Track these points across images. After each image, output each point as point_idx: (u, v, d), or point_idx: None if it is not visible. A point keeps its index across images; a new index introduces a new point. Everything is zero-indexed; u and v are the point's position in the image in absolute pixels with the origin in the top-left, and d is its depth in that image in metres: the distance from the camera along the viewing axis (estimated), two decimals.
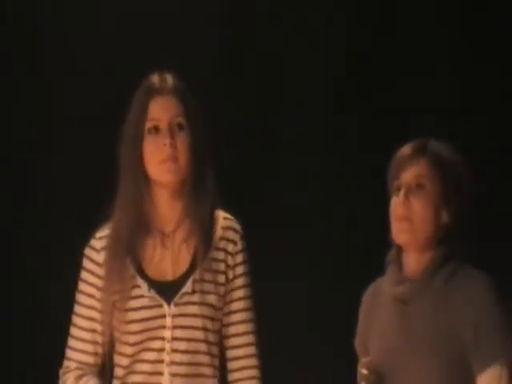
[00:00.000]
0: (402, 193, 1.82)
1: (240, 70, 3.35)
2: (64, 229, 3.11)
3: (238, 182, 3.06)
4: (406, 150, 1.87)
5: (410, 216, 1.82)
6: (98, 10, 3.32)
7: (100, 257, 1.88)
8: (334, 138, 3.31)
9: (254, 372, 1.87)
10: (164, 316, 1.83)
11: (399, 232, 1.83)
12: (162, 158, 1.83)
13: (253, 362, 1.88)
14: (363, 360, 1.86)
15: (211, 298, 1.85)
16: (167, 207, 1.88)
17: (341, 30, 3.37)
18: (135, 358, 1.84)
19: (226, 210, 1.94)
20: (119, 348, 1.86)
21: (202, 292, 1.84)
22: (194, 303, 1.84)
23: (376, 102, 3.29)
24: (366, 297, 1.95)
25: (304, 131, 3.33)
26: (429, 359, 1.79)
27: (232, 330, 1.88)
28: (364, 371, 1.85)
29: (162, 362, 1.83)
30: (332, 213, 3.22)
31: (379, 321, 1.90)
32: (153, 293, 1.84)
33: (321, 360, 2.01)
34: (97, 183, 2.11)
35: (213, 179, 1.89)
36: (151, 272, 1.86)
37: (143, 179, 1.86)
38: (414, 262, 1.85)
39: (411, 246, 1.84)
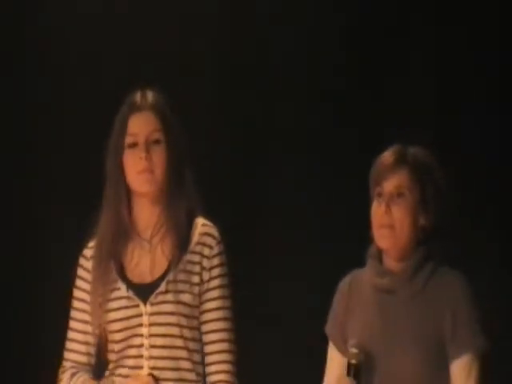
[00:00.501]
0: (383, 202, 1.99)
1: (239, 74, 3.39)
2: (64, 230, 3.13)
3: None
4: (387, 158, 2.02)
5: (392, 223, 1.99)
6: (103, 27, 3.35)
7: (90, 264, 2.06)
8: (334, 138, 3.35)
9: (226, 366, 1.99)
10: (141, 315, 2.00)
11: (381, 238, 2.00)
12: (138, 170, 2.00)
13: (225, 357, 2.00)
14: (352, 341, 2.00)
15: (185, 297, 2.00)
16: (146, 214, 2.04)
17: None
18: (121, 355, 2.02)
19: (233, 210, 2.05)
20: (109, 346, 2.04)
21: (176, 291, 1.99)
22: (168, 302, 2.00)
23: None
24: (344, 286, 2.09)
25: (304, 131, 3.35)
26: (410, 346, 1.97)
27: (207, 327, 2.02)
28: (354, 350, 2.00)
29: (141, 356, 2.00)
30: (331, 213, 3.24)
31: (361, 309, 2.05)
32: (131, 294, 2.01)
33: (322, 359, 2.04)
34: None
35: (192, 188, 2.04)
36: (131, 275, 2.03)
37: (124, 189, 2.03)
38: (394, 262, 2.03)
39: (392, 250, 2.02)
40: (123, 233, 2.03)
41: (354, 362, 2.00)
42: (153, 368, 1.99)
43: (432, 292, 2.00)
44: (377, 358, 1.99)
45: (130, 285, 2.01)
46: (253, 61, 3.38)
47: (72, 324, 2.07)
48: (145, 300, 1.99)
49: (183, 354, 1.99)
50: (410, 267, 1.99)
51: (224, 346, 2.01)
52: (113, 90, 2.84)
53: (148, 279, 2.01)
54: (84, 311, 2.05)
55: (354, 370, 2.00)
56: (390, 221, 1.98)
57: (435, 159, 2.02)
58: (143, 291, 2.00)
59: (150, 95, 2.04)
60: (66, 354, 2.07)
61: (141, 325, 2.00)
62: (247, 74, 3.38)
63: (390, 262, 2.02)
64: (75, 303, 2.06)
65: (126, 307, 2.00)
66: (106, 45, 3.29)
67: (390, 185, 1.99)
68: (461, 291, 1.98)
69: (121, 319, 2.00)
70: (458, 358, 1.95)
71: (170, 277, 1.99)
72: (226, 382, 1.99)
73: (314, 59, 3.39)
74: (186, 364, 2.00)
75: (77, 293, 2.06)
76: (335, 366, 2.08)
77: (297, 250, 3.16)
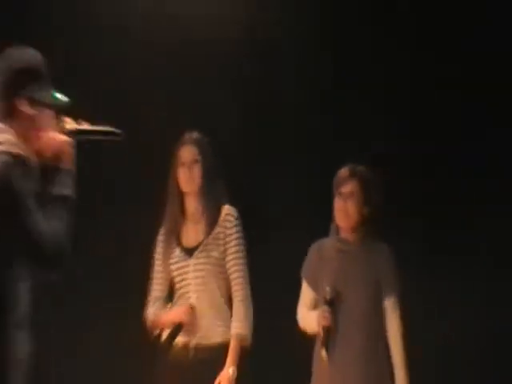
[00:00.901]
0: (341, 199, 3.36)
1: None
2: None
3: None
4: (344, 172, 3.40)
5: (346, 211, 3.36)
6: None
7: (162, 239, 3.47)
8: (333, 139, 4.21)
9: (240, 279, 3.35)
10: (188, 265, 3.38)
11: (340, 220, 3.38)
12: (185, 179, 3.40)
13: (240, 274, 3.35)
14: (326, 284, 3.27)
15: (214, 253, 3.37)
16: (192, 206, 3.43)
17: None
18: (180, 292, 3.41)
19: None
20: (174, 286, 3.43)
21: (208, 250, 3.37)
22: (203, 257, 3.38)
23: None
24: (314, 247, 3.45)
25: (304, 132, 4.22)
26: (361, 287, 3.32)
27: (230, 263, 3.37)
28: (328, 289, 3.26)
29: (189, 292, 3.37)
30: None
31: (327, 263, 3.38)
32: (182, 254, 3.41)
33: None
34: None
35: (221, 187, 3.41)
36: (184, 242, 3.44)
37: (178, 191, 3.42)
38: (347, 234, 3.39)
39: (346, 227, 3.39)
40: (179, 218, 3.41)
41: (328, 296, 3.23)
42: (196, 298, 3.33)
43: (371, 254, 3.37)
44: (341, 294, 3.27)
45: (182, 248, 3.40)
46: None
47: (153, 274, 3.44)
48: (190, 256, 3.37)
49: (215, 289, 3.35)
50: (358, 237, 3.38)
51: (240, 274, 3.35)
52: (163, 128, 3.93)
53: (193, 245, 3.39)
54: (160, 266, 3.43)
55: (329, 302, 3.22)
56: (345, 210, 3.35)
57: (372, 174, 3.38)
58: (189, 252, 3.38)
59: (194, 134, 3.44)
60: (150, 292, 3.43)
61: (188, 272, 3.37)
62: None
63: (345, 234, 3.40)
64: (155, 262, 3.44)
65: (179, 261, 3.39)
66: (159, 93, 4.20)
67: (345, 189, 3.36)
68: (388, 256, 3.36)
69: (177, 269, 3.39)
70: (389, 297, 3.32)
71: (204, 243, 3.36)
72: (240, 284, 3.32)
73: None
74: (217, 295, 3.35)
75: (156, 255, 3.45)
76: (307, 297, 3.37)
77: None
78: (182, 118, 3.87)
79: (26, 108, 2.31)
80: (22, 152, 2.27)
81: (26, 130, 2.33)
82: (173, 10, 4.16)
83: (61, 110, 2.34)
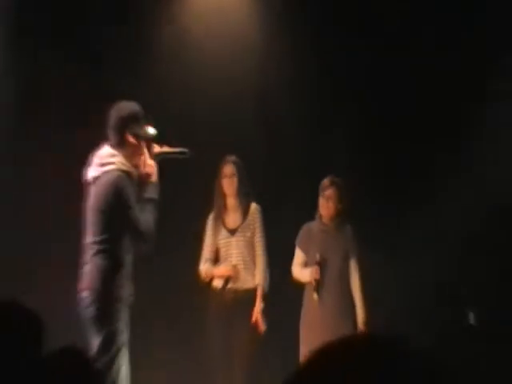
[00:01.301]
0: (325, 198, 5.27)
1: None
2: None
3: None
4: (326, 181, 5.27)
5: (327, 206, 5.27)
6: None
7: (210, 223, 5.38)
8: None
9: (261, 251, 5.32)
10: (230, 242, 5.30)
11: (322, 211, 5.30)
12: (227, 186, 5.32)
13: (261, 249, 5.30)
14: (315, 253, 5.14)
15: (247, 234, 5.29)
16: (232, 203, 5.34)
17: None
18: (224, 257, 5.32)
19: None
20: (219, 253, 5.35)
21: (243, 231, 5.29)
22: (240, 236, 5.30)
23: None
24: (304, 229, 5.36)
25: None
26: (337, 255, 5.25)
27: (255, 241, 5.31)
28: (317, 255, 5.14)
29: (231, 257, 5.28)
30: None
31: (314, 240, 5.24)
32: (227, 233, 5.29)
33: None
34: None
35: (249, 191, 5.30)
36: (227, 226, 5.34)
37: (222, 193, 5.33)
38: (327, 221, 5.26)
39: (327, 216, 5.31)
40: (222, 210, 5.31)
41: (318, 260, 5.12)
42: (236, 261, 5.25)
43: (342, 233, 5.29)
44: (325, 258, 5.15)
45: (226, 229, 5.30)
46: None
47: (205, 244, 5.32)
48: (232, 235, 5.26)
49: (247, 255, 5.28)
50: (333, 222, 5.29)
51: (261, 248, 5.31)
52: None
53: (233, 227, 5.31)
54: (210, 239, 5.32)
55: (318, 263, 5.11)
56: (327, 206, 5.26)
57: (343, 182, 5.27)
58: (232, 232, 5.29)
59: (232, 157, 5.31)
60: (203, 255, 5.32)
61: (231, 244, 5.28)
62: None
63: (325, 220, 5.32)
64: (207, 237, 5.32)
65: (225, 238, 5.30)
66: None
67: (327, 193, 5.25)
68: (352, 234, 5.27)
69: (224, 243, 5.30)
70: (353, 259, 5.24)
71: (241, 227, 5.30)
72: (261, 251, 5.30)
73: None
74: (248, 258, 5.28)
75: (207, 232, 5.33)
76: (300, 259, 5.28)
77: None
78: (225, 145, 5.58)
79: (131, 140, 4.06)
80: (128, 169, 4.00)
81: (131, 154, 4.06)
82: (215, 66, 6.03)
83: (151, 139, 4.13)
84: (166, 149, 4.15)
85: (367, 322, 5.25)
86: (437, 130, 6.15)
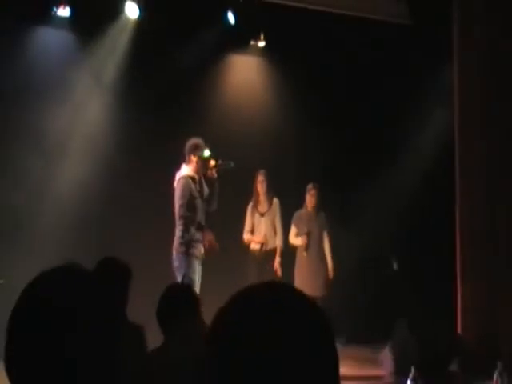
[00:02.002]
0: (311, 196, 8.64)
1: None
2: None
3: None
4: (310, 186, 8.64)
5: (311, 201, 8.65)
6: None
7: (249, 209, 8.70)
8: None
9: (279, 225, 8.72)
10: (261, 220, 8.66)
11: (308, 204, 8.67)
12: (260, 188, 8.66)
13: (279, 224, 8.71)
14: (304, 227, 8.70)
15: (271, 215, 8.63)
16: (262, 198, 8.70)
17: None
18: (257, 231, 8.70)
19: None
20: (254, 227, 8.77)
21: (269, 214, 8.62)
22: (267, 217, 8.66)
23: None
24: (297, 213, 8.76)
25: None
26: (316, 230, 8.67)
27: (275, 221, 8.68)
28: (306, 229, 8.71)
29: (261, 230, 8.66)
30: None
31: (303, 221, 8.68)
32: (258, 215, 8.67)
33: None
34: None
35: (272, 191, 8.71)
36: (259, 211, 8.69)
37: (257, 192, 8.66)
38: (310, 210, 8.70)
39: (310, 207, 8.67)
40: (257, 201, 8.62)
41: (306, 232, 8.60)
42: (265, 232, 8.59)
43: (319, 216, 8.64)
44: (310, 231, 8.60)
45: (259, 213, 8.62)
46: None
47: (247, 222, 8.63)
48: (262, 216, 8.60)
49: (271, 229, 8.61)
50: (314, 210, 8.66)
51: (279, 225, 8.65)
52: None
53: (262, 212, 8.62)
54: (249, 219, 8.62)
55: (306, 234, 8.58)
56: (311, 200, 8.62)
57: (319, 186, 8.71)
58: (262, 215, 8.59)
59: (262, 171, 8.64)
60: (245, 229, 8.64)
61: (261, 222, 8.61)
62: None
63: (310, 209, 8.65)
64: (248, 217, 8.62)
65: (258, 218, 8.63)
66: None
67: (311, 192, 8.60)
68: (324, 217, 8.62)
69: (257, 221, 8.63)
70: (325, 231, 8.66)
71: (267, 212, 8.60)
72: (279, 225, 8.63)
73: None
74: (271, 230, 8.63)
75: (248, 214, 8.62)
76: (293, 232, 8.72)
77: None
78: (260, 161, 8.93)
79: (194, 159, 7.19)
80: (193, 175, 7.12)
81: (195, 167, 7.18)
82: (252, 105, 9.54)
83: (209, 158, 7.22)
84: (220, 162, 7.19)
85: (332, 268, 8.55)
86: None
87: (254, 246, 8.60)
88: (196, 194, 7.14)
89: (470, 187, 8.12)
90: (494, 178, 8.02)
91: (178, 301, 3.51)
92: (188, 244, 7.01)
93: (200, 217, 7.14)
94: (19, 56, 8.34)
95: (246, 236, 8.65)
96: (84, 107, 8.81)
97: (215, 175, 7.25)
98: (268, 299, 1.20)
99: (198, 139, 7.19)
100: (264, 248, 8.55)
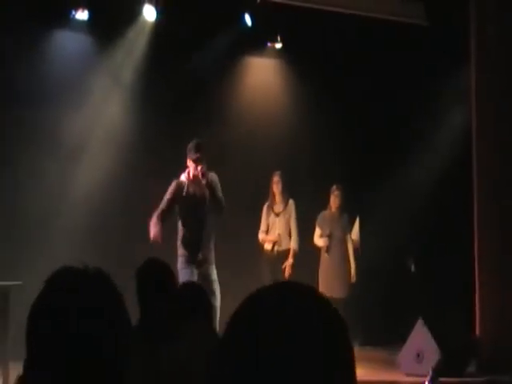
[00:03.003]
0: (334, 196, 8.95)
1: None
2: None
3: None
4: (334, 187, 9.01)
5: (335, 202, 8.98)
6: None
7: (264, 209, 8.79)
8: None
9: (294, 226, 8.79)
10: (276, 220, 8.73)
11: (332, 204, 9.00)
12: (275, 188, 8.77)
13: (294, 225, 8.75)
14: (327, 229, 8.93)
15: (286, 217, 8.68)
16: (278, 198, 8.78)
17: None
18: (272, 230, 8.77)
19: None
20: (269, 227, 8.87)
21: (284, 214, 8.68)
22: (282, 217, 8.71)
23: None
24: (321, 215, 9.09)
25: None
26: (339, 231, 8.96)
27: (291, 221, 8.70)
28: (328, 230, 8.94)
29: (276, 230, 8.74)
30: None
31: (327, 223, 8.96)
32: (274, 215, 8.74)
33: None
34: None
35: (288, 192, 8.78)
36: (275, 211, 8.76)
37: (273, 192, 8.76)
38: (335, 210, 8.93)
39: (334, 208, 8.96)
40: (273, 202, 8.71)
41: (327, 234, 8.82)
42: (278, 232, 8.65)
43: (342, 218, 8.95)
44: (332, 233, 8.84)
45: (274, 213, 8.70)
46: None
47: (262, 221, 8.72)
48: (277, 217, 8.68)
49: (285, 229, 8.64)
50: (337, 211, 8.94)
51: (294, 226, 8.66)
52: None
53: (278, 212, 8.69)
54: (265, 218, 8.70)
55: (328, 236, 8.84)
56: (335, 201, 8.94)
57: (343, 188, 8.94)
58: (277, 215, 8.66)
59: (278, 172, 8.73)
60: (261, 228, 8.75)
61: (276, 222, 8.67)
62: None
63: (334, 210, 8.93)
64: (263, 217, 8.72)
65: (273, 218, 8.70)
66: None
67: (335, 194, 8.94)
68: (347, 218, 8.97)
69: (272, 221, 8.69)
70: (348, 233, 8.89)
71: (282, 212, 8.66)
72: (294, 226, 8.68)
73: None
74: (286, 230, 8.65)
75: (263, 215, 8.71)
76: (318, 233, 8.97)
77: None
78: (277, 162, 9.07)
79: (189, 163, 6.99)
80: (182, 180, 7.00)
81: (187, 170, 6.97)
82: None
83: (196, 160, 7.07)
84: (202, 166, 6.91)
85: (355, 270, 8.75)
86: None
87: (267, 246, 8.70)
88: (179, 198, 6.92)
89: (487, 187, 8.10)
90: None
91: (189, 302, 3.50)
92: (179, 246, 7.03)
93: (185, 219, 7.00)
94: (38, 59, 8.44)
95: (261, 236, 8.75)
96: (102, 109, 8.91)
97: (202, 179, 6.88)
98: (282, 299, 1.19)
99: (193, 141, 7.03)
100: (277, 248, 8.66)
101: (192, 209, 6.97)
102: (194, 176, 6.86)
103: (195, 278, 6.71)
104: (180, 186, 6.98)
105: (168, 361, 3.26)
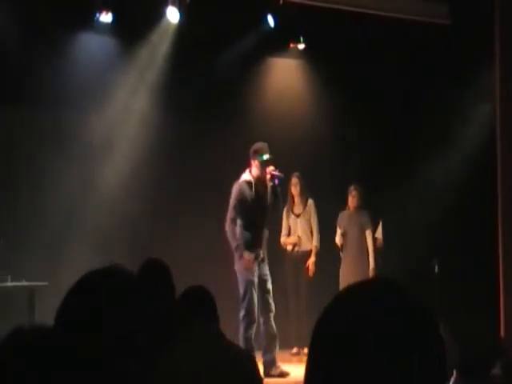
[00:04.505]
0: (352, 196, 8.94)
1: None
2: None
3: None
4: (352, 187, 8.98)
5: (352, 202, 8.96)
6: None
7: (285, 211, 8.80)
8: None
9: (315, 227, 9.08)
10: (297, 221, 8.93)
11: (350, 204, 8.98)
12: (294, 190, 8.87)
13: (316, 225, 9.01)
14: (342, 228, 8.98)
15: (306, 217, 8.87)
16: (298, 199, 8.98)
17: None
18: (292, 231, 9.02)
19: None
20: (290, 229, 9.02)
21: (304, 215, 8.87)
22: (302, 218, 8.91)
23: None
24: (341, 215, 9.08)
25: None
26: (358, 231, 8.89)
27: (311, 222, 8.93)
28: (342, 230, 8.92)
29: (296, 231, 8.96)
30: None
31: (345, 220, 8.96)
32: (294, 216, 8.90)
33: None
34: None
35: (307, 192, 8.87)
36: (294, 212, 8.95)
37: (292, 194, 8.89)
38: (353, 210, 8.92)
39: (352, 207, 8.98)
40: (292, 203, 8.86)
41: (342, 233, 8.85)
42: (299, 233, 8.81)
43: (360, 215, 8.93)
44: (347, 232, 8.85)
45: (294, 214, 8.88)
46: None
47: (283, 224, 8.89)
48: (297, 218, 8.81)
49: (306, 229, 8.88)
50: (355, 210, 8.94)
51: (315, 226, 8.88)
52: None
53: (298, 213, 8.89)
54: (285, 221, 8.88)
55: (342, 234, 8.86)
56: (352, 201, 8.93)
57: (361, 188, 8.91)
58: (297, 216, 8.86)
59: (296, 173, 8.80)
60: (283, 231, 8.93)
61: (297, 223, 8.88)
62: None
63: (352, 209, 8.95)
64: (284, 219, 8.86)
65: (294, 219, 8.90)
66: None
67: (353, 193, 8.92)
68: (367, 216, 8.92)
69: (293, 222, 8.90)
70: (367, 230, 8.87)
71: (302, 213, 8.85)
72: (316, 227, 8.95)
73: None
74: (307, 231, 8.85)
75: (284, 216, 8.80)
76: (339, 233, 8.95)
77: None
78: (300, 163, 9.11)
79: (254, 163, 7.39)
80: (249, 180, 7.33)
81: (255, 172, 7.37)
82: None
83: (266, 162, 7.41)
84: (275, 169, 7.29)
85: (374, 268, 8.72)
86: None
87: (289, 247, 8.90)
88: (248, 198, 7.26)
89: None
90: None
91: (195, 303, 3.46)
92: (239, 247, 7.20)
93: (251, 219, 7.20)
94: (62, 62, 8.49)
95: (282, 239, 8.95)
96: (126, 111, 8.94)
97: (269, 181, 7.33)
98: (370, 298, 1.20)
99: (260, 144, 7.36)
100: (298, 249, 8.81)
101: (257, 209, 7.20)
102: (271, 175, 7.30)
103: (256, 280, 7.18)
104: (243, 187, 7.24)
105: (168, 360, 3.25)
